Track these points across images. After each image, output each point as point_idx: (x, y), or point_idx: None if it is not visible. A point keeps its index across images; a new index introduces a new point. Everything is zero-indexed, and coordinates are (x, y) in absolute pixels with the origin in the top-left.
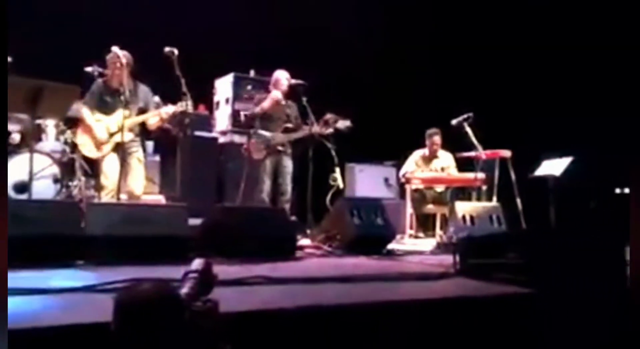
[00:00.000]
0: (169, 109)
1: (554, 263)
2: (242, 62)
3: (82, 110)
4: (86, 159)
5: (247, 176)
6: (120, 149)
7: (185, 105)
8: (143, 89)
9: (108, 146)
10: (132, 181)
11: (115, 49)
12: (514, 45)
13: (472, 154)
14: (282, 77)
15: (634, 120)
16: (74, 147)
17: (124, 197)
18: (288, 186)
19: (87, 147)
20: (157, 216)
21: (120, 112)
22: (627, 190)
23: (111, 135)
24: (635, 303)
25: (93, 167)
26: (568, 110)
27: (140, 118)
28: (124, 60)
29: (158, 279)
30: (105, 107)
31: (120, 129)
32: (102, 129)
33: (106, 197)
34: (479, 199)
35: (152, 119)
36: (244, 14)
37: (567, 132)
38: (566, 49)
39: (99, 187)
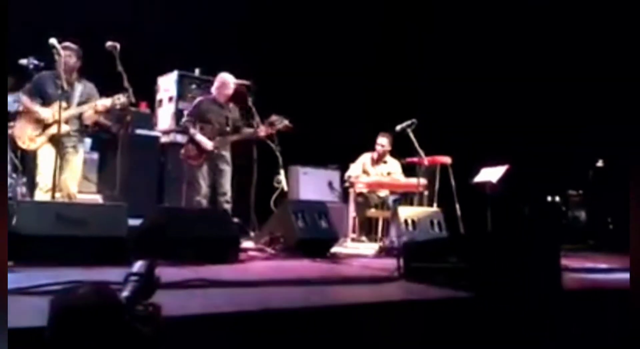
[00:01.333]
0: (106, 102)
1: (492, 267)
2: (186, 60)
3: (22, 98)
4: (23, 156)
5: (187, 179)
6: (57, 144)
7: (124, 98)
8: (87, 85)
9: (42, 138)
10: (68, 178)
11: (52, 40)
12: (458, 54)
13: (414, 159)
14: (227, 81)
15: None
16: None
17: (58, 195)
18: (227, 187)
19: (22, 139)
20: (94, 215)
21: (57, 104)
22: (557, 198)
23: (46, 126)
24: (635, 303)
25: (25, 164)
26: (506, 121)
27: (75, 110)
28: (62, 53)
29: (97, 281)
30: (44, 99)
31: (56, 121)
32: (36, 120)
33: (41, 194)
34: (420, 204)
35: (88, 112)
36: (188, 12)
37: (504, 142)
38: (507, 63)
39: (32, 184)
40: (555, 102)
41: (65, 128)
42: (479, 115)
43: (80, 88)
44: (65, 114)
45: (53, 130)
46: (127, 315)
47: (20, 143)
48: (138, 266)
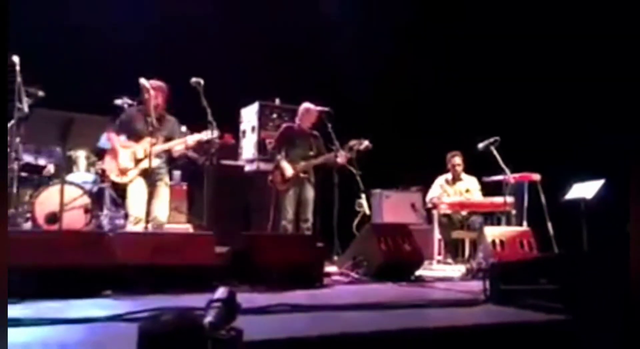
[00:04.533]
0: (195, 137)
1: (588, 289)
2: (266, 90)
3: (110, 135)
4: (116, 189)
5: (274, 205)
6: (147, 176)
7: (211, 133)
8: (170, 119)
9: (134, 171)
10: (158, 209)
11: (142, 80)
12: (541, 67)
13: (500, 177)
14: (311, 109)
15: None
16: (103, 177)
17: (149, 225)
18: (309, 213)
19: (114, 173)
20: (185, 244)
21: (148, 140)
22: None
23: (138, 161)
24: (635, 303)
25: (123, 197)
26: (598, 131)
27: (167, 145)
28: (151, 92)
29: (181, 308)
30: (134, 135)
31: (147, 156)
32: (128, 154)
33: (132, 225)
34: (508, 223)
35: (178, 146)
36: (267, 44)
37: (598, 154)
38: (596, 70)
39: (126, 216)
40: None
41: (156, 162)
42: (568, 126)
43: (166, 123)
44: (156, 149)
45: (145, 164)
46: (210, 340)
47: (113, 177)
48: (220, 292)
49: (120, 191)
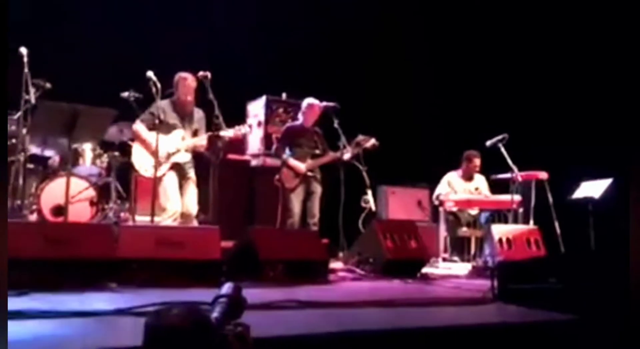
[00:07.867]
0: (229, 133)
1: (595, 288)
2: (273, 85)
3: (139, 127)
4: (132, 181)
5: (282, 203)
6: (178, 170)
7: (245, 128)
8: (199, 113)
9: (166, 165)
10: (188, 202)
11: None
12: (550, 66)
13: (507, 175)
14: (314, 105)
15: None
16: (107, 170)
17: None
18: (316, 209)
19: (144, 167)
20: (190, 238)
21: (178, 133)
22: None
23: (169, 155)
24: (635, 302)
25: (129, 190)
26: (607, 130)
27: (195, 140)
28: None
29: (189, 302)
30: (164, 127)
31: (178, 150)
32: (161, 148)
33: (170, 220)
34: (515, 222)
35: (201, 142)
36: (273, 37)
37: (607, 153)
38: (603, 69)
39: (160, 209)
40: None
41: (187, 157)
42: (577, 123)
43: (195, 116)
44: (188, 143)
45: (176, 158)
46: (217, 335)
47: (142, 171)
48: (226, 287)
49: (128, 185)
